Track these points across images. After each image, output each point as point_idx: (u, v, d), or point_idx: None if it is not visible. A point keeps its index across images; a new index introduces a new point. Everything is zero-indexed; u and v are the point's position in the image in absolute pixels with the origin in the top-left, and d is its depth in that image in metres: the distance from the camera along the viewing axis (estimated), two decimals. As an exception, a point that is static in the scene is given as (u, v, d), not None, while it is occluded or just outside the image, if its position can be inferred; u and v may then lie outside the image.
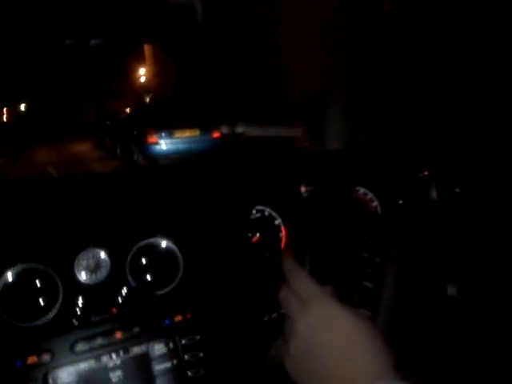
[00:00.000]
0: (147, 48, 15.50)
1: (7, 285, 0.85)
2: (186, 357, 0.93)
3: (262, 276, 1.03)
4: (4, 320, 0.83)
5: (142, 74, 16.66)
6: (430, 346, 0.96)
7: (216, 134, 7.98)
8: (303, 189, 1.14)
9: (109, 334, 0.90)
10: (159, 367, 0.91)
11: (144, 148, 7.82)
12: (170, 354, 0.93)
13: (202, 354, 0.94)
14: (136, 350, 0.91)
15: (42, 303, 0.87)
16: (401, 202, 1.24)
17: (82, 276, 0.90)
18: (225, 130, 8.14)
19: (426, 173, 1.30)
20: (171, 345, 0.93)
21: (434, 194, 1.26)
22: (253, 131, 7.47)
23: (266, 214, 1.12)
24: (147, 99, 14.92)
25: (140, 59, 16.41)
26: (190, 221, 1.02)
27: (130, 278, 0.94)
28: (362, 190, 1.23)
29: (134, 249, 0.94)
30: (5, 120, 16.96)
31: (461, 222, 1.21)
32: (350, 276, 0.85)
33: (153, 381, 0.91)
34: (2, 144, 11.55)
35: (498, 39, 2.32)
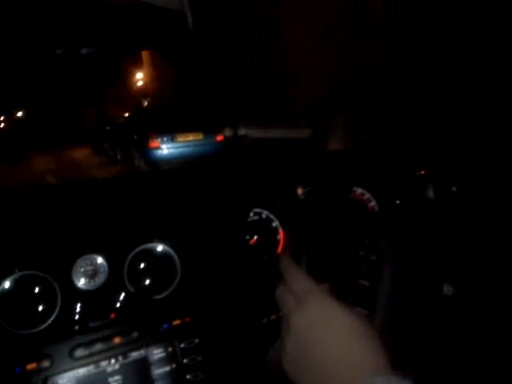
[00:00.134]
0: (145, 53, 15.52)
1: (5, 292, 0.85)
2: (184, 361, 0.93)
3: (260, 278, 1.03)
4: (3, 327, 0.84)
5: (140, 78, 16.67)
6: (426, 345, 0.96)
7: (220, 137, 7.78)
8: (300, 190, 1.14)
9: (107, 339, 0.91)
10: (158, 371, 0.91)
11: (145, 153, 7.61)
12: (169, 358, 0.93)
13: (200, 358, 0.94)
14: (135, 354, 0.91)
15: (40, 310, 0.87)
16: (398, 201, 1.24)
17: (80, 282, 0.91)
18: (228, 132, 8.03)
19: (422, 172, 1.30)
20: (170, 349, 0.93)
21: (430, 194, 1.27)
22: (255, 133, 7.37)
23: (264, 216, 1.12)
24: (147, 104, 14.93)
25: (138, 64, 16.43)
26: (187, 225, 1.02)
27: (127, 284, 0.94)
28: (359, 190, 1.23)
29: (132, 254, 0.95)
30: (1, 127, 16.96)
31: (458, 221, 1.22)
32: (347, 274, 0.86)
33: None
34: (0, 151, 11.54)
35: (494, 39, 2.32)
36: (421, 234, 1.11)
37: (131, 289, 0.94)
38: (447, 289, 1.06)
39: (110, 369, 0.89)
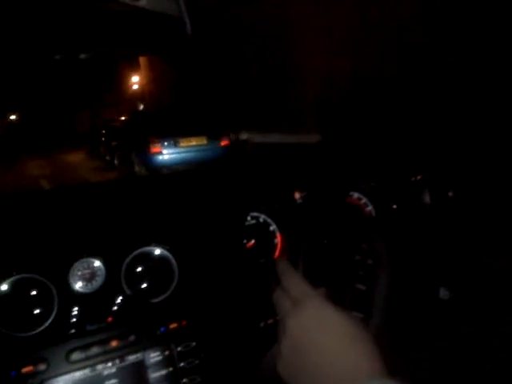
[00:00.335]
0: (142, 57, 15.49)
1: (2, 295, 0.85)
2: (181, 364, 0.93)
3: (258, 282, 1.03)
4: None
5: (136, 80, 16.57)
6: (422, 348, 0.96)
7: (224, 142, 7.38)
8: (297, 195, 1.14)
9: (104, 342, 0.90)
10: (155, 375, 0.91)
11: (146, 158, 7.08)
12: (166, 362, 0.93)
13: (197, 362, 0.94)
14: (131, 358, 0.91)
15: (37, 313, 0.87)
16: (395, 206, 1.25)
17: (78, 285, 0.91)
18: (231, 137, 7.65)
19: (419, 177, 1.31)
20: (167, 352, 0.93)
21: (427, 198, 1.27)
22: (258, 138, 7.20)
23: (261, 220, 1.12)
24: (143, 107, 14.86)
25: (134, 66, 16.38)
26: (185, 228, 1.02)
27: (125, 287, 0.94)
28: (356, 195, 1.24)
29: (129, 258, 0.95)
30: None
31: (454, 226, 1.22)
32: (343, 278, 0.86)
33: None
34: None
35: (490, 43, 2.34)
36: (417, 239, 1.12)
37: (128, 292, 0.94)
38: (443, 293, 1.06)
39: (106, 372, 0.89)
